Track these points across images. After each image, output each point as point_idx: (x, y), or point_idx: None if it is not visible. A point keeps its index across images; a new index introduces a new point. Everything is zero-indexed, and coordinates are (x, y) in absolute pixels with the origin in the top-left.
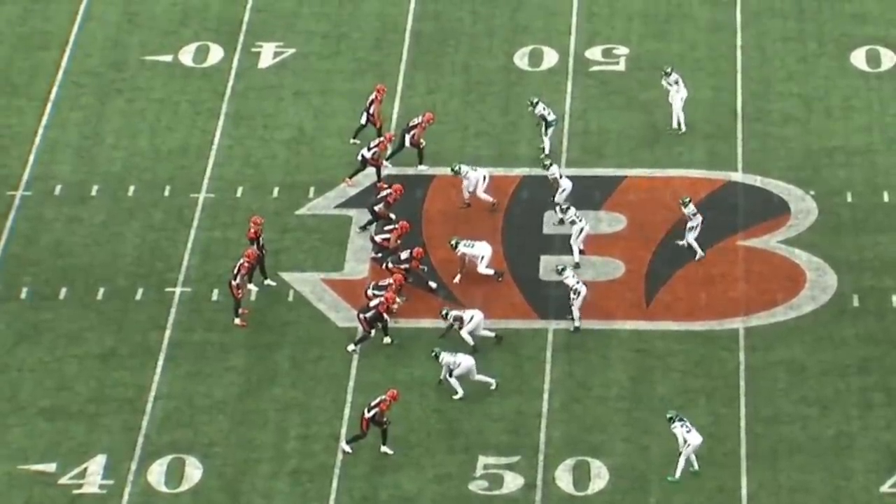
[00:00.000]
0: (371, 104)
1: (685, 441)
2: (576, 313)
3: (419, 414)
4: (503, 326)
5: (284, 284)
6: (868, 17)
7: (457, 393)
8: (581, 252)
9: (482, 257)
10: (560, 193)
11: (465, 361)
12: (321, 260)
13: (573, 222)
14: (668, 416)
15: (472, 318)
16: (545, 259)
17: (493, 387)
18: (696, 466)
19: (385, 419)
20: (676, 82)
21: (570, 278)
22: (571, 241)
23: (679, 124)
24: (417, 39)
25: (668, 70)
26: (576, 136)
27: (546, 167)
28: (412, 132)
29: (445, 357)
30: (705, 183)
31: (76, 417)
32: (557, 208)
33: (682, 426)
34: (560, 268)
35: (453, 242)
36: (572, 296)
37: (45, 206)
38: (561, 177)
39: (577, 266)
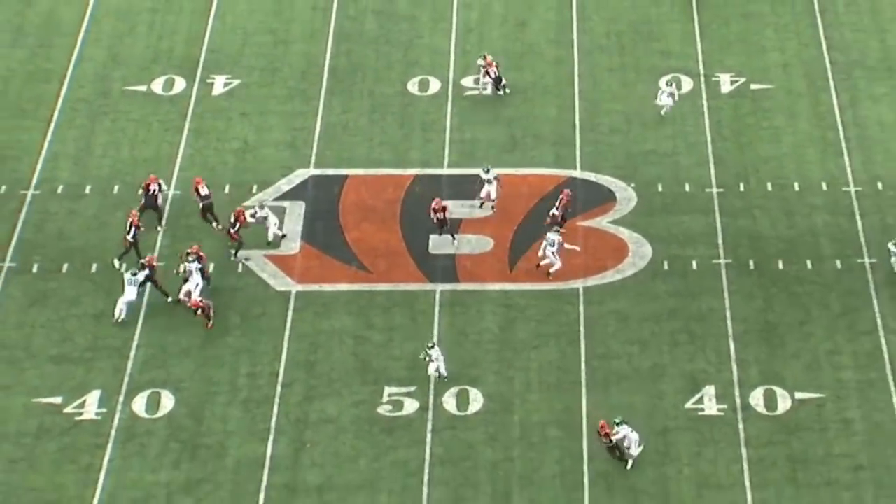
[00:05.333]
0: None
1: (627, 438)
2: (442, 371)
3: (339, 355)
4: (402, 289)
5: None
6: (671, 52)
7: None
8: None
9: (274, 223)
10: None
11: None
12: (263, 240)
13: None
14: (617, 420)
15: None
16: (433, 238)
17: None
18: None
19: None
20: (671, 95)
21: (434, 350)
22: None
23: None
24: (333, 72)
25: (670, 83)
26: (454, 143)
27: (486, 171)
28: None
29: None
30: (552, 178)
31: (76, 362)
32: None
33: (628, 427)
34: (425, 354)
35: (261, 203)
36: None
37: (49, 202)
38: (488, 181)
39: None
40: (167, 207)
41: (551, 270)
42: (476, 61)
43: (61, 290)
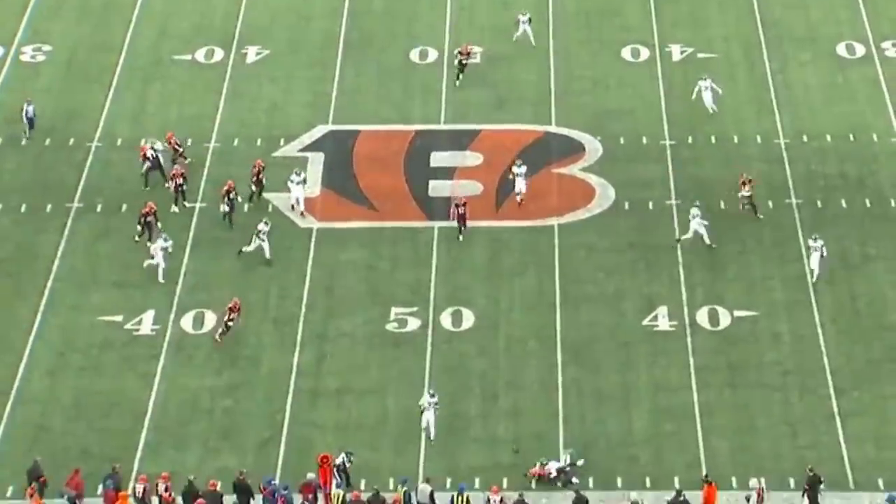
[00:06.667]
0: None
1: (554, 469)
2: (432, 427)
3: (353, 281)
4: (406, 226)
5: (266, 200)
6: (631, 27)
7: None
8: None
9: (299, 197)
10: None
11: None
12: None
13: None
14: (543, 461)
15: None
16: (432, 182)
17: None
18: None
19: None
20: (708, 88)
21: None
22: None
23: (711, 109)
24: (347, 44)
25: (704, 77)
26: (450, 104)
27: (518, 165)
28: None
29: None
30: (532, 133)
31: (135, 286)
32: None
33: (553, 461)
34: (425, 403)
35: (298, 171)
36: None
37: (110, 152)
38: (519, 175)
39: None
40: (208, 158)
41: (685, 237)
42: (518, 17)
43: (121, 226)
